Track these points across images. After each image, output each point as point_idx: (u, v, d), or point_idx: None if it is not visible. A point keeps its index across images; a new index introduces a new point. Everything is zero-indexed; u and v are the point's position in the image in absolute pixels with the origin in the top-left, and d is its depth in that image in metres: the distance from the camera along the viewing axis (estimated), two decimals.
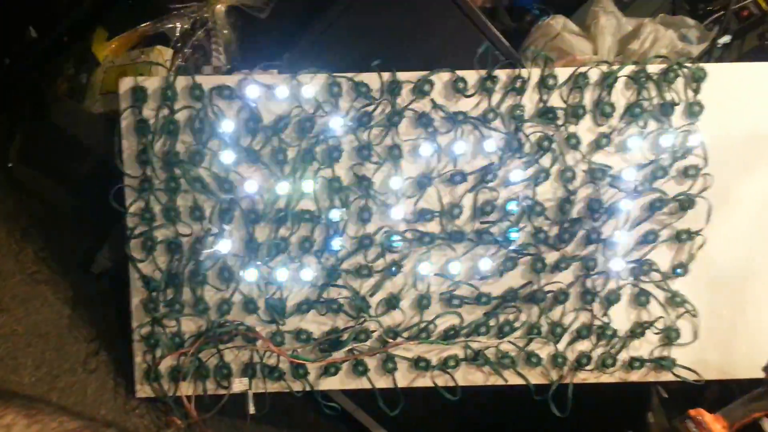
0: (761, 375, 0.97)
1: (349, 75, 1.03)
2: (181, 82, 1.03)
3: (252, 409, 1.07)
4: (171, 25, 1.14)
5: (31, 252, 1.16)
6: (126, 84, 1.03)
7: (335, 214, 1.04)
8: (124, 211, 1.04)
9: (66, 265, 1.17)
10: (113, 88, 1.07)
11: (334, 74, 1.03)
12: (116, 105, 1.04)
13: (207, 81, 1.04)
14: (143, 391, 1.09)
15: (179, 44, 1.14)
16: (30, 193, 1.22)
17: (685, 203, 1.05)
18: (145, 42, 1.16)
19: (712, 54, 1.17)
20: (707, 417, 1.03)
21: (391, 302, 1.07)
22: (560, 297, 1.07)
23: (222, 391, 1.08)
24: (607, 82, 1.03)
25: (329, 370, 1.08)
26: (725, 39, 1.18)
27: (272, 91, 1.03)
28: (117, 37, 1.17)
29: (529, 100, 1.04)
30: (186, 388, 1.08)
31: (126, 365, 1.09)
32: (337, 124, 1.02)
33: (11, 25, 1.18)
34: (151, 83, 1.03)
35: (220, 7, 1.15)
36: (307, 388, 1.09)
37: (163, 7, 1.15)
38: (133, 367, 1.08)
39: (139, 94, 1.03)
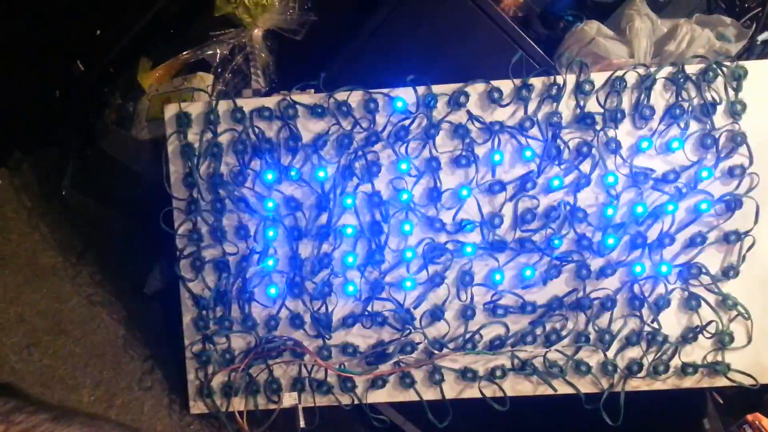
0: None
1: (385, 90, 1.05)
2: (223, 106, 1.06)
3: (302, 423, 1.09)
4: (211, 52, 1.18)
5: (87, 275, 1.21)
6: (171, 110, 1.07)
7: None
8: (174, 232, 1.08)
9: (120, 287, 1.22)
10: (159, 115, 1.12)
11: (370, 90, 1.05)
12: (162, 131, 1.08)
13: (247, 104, 1.07)
14: (197, 407, 1.11)
15: (219, 70, 1.18)
16: (84, 219, 1.27)
17: (732, 203, 1.03)
18: (187, 69, 1.20)
19: (752, 51, 1.14)
20: (765, 422, 1.00)
21: (436, 313, 1.08)
22: (607, 304, 1.06)
23: (272, 406, 1.10)
24: (645, 84, 1.02)
25: (377, 383, 1.09)
26: (764, 35, 1.15)
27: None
28: (160, 66, 1.21)
29: (566, 107, 1.04)
30: (238, 404, 1.10)
31: (180, 382, 1.12)
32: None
33: (60, 60, 1.23)
34: (195, 108, 1.07)
35: (258, 32, 1.18)
36: (356, 402, 1.10)
37: (203, 34, 1.19)
38: (187, 383, 1.11)
39: (183, 120, 1.06)
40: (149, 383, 1.14)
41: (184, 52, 1.20)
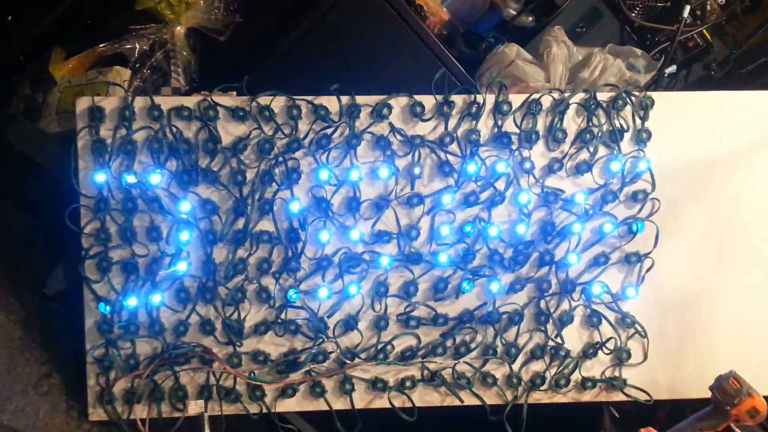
0: (709, 394, 1.00)
1: (309, 98, 1.05)
2: (139, 103, 1.03)
3: None
4: (130, 46, 1.14)
5: None
6: (83, 104, 1.03)
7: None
8: (80, 231, 1.03)
9: (19, 286, 1.15)
10: (70, 108, 1.07)
11: (294, 97, 1.04)
12: (72, 124, 1.04)
13: (166, 102, 1.04)
14: (96, 414, 1.07)
15: (138, 65, 1.14)
16: None
17: (634, 227, 1.08)
18: (103, 62, 1.16)
19: (659, 83, 1.21)
20: None
21: (349, 323, 1.08)
22: (515, 318, 1.09)
23: (177, 414, 1.07)
24: (559, 108, 1.06)
25: (286, 392, 1.08)
26: (671, 69, 1.23)
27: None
28: (75, 57, 1.16)
29: (485, 125, 1.07)
30: (140, 411, 1.06)
31: (79, 388, 1.07)
32: None
33: None
34: (109, 103, 1.03)
35: (180, 29, 1.15)
36: (264, 410, 1.08)
37: (122, 28, 1.15)
38: (86, 389, 1.06)
39: (96, 114, 1.02)
40: (46, 388, 1.08)
41: (101, 45, 1.15)
